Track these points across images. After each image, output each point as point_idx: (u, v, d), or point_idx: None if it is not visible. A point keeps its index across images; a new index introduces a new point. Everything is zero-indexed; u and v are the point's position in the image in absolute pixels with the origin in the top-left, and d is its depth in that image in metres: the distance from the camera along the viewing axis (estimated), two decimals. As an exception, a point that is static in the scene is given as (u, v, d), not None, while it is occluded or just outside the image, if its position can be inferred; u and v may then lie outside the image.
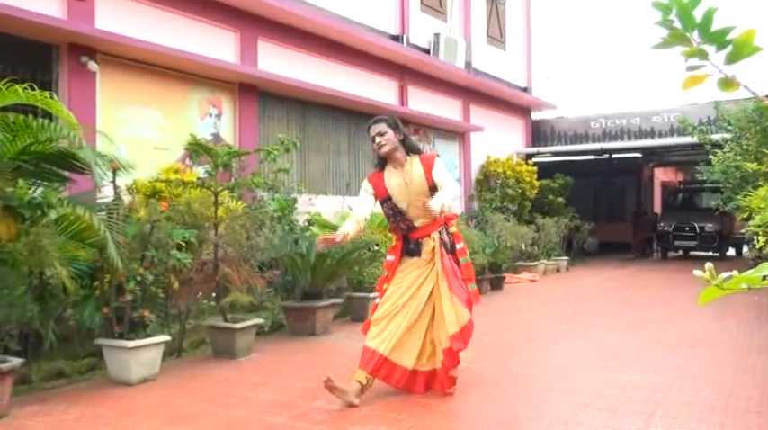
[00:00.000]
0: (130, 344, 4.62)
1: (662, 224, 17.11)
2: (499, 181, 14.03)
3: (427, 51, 12.58)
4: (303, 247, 6.73)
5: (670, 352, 5.72)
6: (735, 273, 0.97)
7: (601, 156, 17.36)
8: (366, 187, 4.44)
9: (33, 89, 4.57)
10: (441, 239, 4.33)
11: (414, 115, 12.04)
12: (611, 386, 4.53)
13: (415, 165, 4.37)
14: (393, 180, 4.36)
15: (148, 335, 4.81)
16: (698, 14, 0.84)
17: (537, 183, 14.69)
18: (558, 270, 13.73)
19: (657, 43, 0.91)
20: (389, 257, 4.46)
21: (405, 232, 4.37)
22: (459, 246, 4.43)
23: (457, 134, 14.02)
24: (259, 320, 5.83)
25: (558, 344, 6.13)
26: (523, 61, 16.85)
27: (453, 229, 4.47)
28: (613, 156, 17.47)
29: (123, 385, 4.62)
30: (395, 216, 4.37)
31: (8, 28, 6.16)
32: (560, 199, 15.18)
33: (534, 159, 16.04)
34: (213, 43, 8.37)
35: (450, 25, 13.37)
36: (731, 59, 0.88)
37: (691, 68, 0.91)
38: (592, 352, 5.75)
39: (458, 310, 4.20)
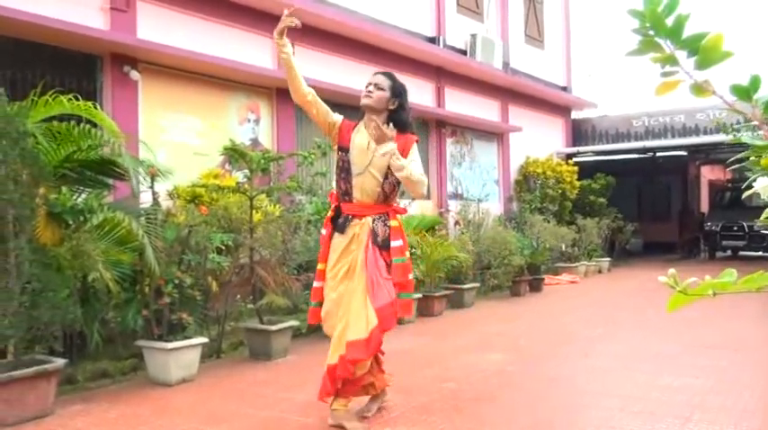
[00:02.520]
0: (169, 345, 4.75)
1: (709, 223, 16.69)
2: (539, 181, 13.89)
3: (464, 52, 12.54)
4: (338, 250, 6.79)
5: (711, 354, 5.59)
6: (707, 278, 0.97)
7: (644, 155, 17.02)
8: (337, 118, 3.93)
9: (78, 99, 4.76)
10: (371, 229, 3.77)
11: (451, 117, 12.03)
12: (648, 389, 4.46)
13: (391, 130, 3.75)
14: (360, 138, 3.84)
15: (186, 337, 4.93)
16: (670, 21, 0.84)
17: (578, 184, 14.50)
18: (599, 271, 13.52)
19: (632, 50, 0.92)
20: (322, 231, 4.00)
21: (341, 195, 3.87)
22: (395, 243, 3.78)
23: (495, 135, 13.93)
24: (294, 322, 5.92)
25: (596, 347, 6.05)
26: (563, 60, 16.64)
27: (394, 223, 3.85)
28: (658, 154, 17.11)
29: (162, 385, 4.75)
30: (342, 170, 3.84)
31: (55, 40, 6.40)
32: (602, 199, 14.94)
33: (575, 159, 15.82)
34: (251, 50, 8.52)
35: (486, 25, 13.30)
36: (701, 65, 0.88)
37: (665, 74, 0.92)
38: (630, 354, 5.67)
39: (369, 315, 3.61)
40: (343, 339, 3.65)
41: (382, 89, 3.84)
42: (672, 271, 0.98)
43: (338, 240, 3.83)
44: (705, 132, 15.13)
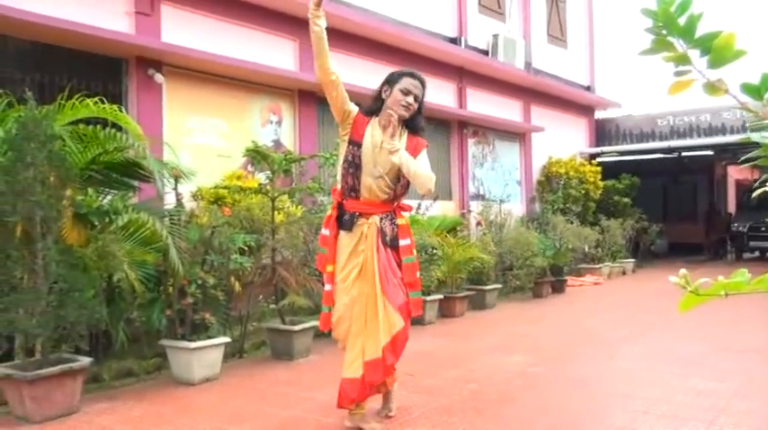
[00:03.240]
0: (192, 345, 4.81)
1: (736, 224, 16.42)
2: (561, 182, 13.79)
3: (486, 53, 12.50)
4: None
5: (737, 357, 5.51)
6: (720, 278, 0.97)
7: (669, 155, 16.79)
8: (352, 106, 3.81)
9: (104, 102, 4.85)
10: (379, 228, 3.71)
11: (473, 117, 11.99)
12: (672, 392, 4.41)
13: (402, 139, 3.77)
14: (375, 135, 3.72)
15: (209, 337, 4.99)
16: (683, 21, 0.84)
17: (601, 184, 14.36)
18: (623, 272, 13.37)
19: (645, 49, 0.91)
20: (324, 231, 3.81)
21: (348, 190, 3.75)
22: (403, 242, 3.75)
23: (517, 135, 13.86)
24: (316, 323, 5.93)
25: (619, 349, 6.00)
26: (586, 59, 16.50)
27: (401, 221, 3.82)
28: (683, 154, 16.88)
29: (186, 384, 4.80)
30: (351, 166, 3.70)
31: (82, 44, 6.51)
32: (626, 199, 14.78)
33: (598, 159, 15.67)
34: (273, 52, 8.59)
35: (508, 25, 13.24)
36: (713, 64, 0.88)
37: (678, 74, 0.91)
38: (654, 356, 5.61)
39: (390, 317, 3.60)
40: (362, 354, 3.62)
41: (418, 99, 3.78)
42: (683, 271, 0.98)
43: (345, 240, 3.74)
44: (731, 131, 14.89)
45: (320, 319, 3.87)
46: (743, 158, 1.16)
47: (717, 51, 0.85)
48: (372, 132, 3.74)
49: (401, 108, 3.72)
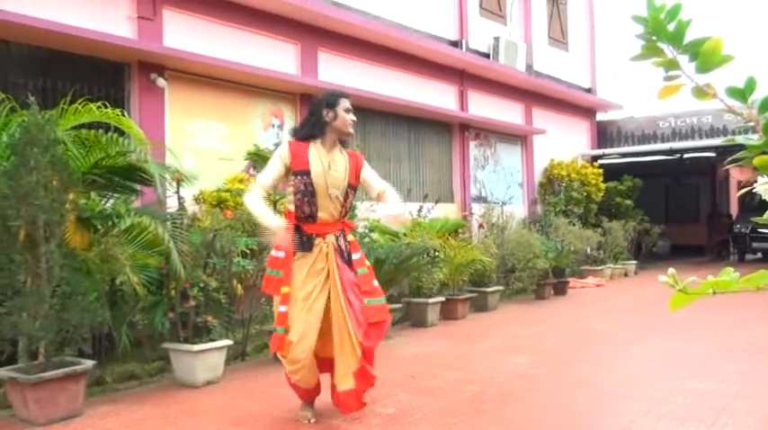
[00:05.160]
0: (195, 348, 4.83)
1: (738, 226, 16.41)
2: (563, 184, 13.80)
3: (487, 55, 12.52)
4: (362, 254, 6.83)
5: (738, 358, 5.52)
6: (709, 277, 0.98)
7: (671, 157, 16.79)
8: (283, 154, 3.87)
9: (106, 107, 4.88)
10: (337, 246, 3.88)
11: (474, 119, 12.02)
12: (674, 393, 4.42)
13: (342, 155, 3.97)
14: (319, 158, 3.86)
15: (212, 340, 5.01)
16: (672, 27, 0.86)
17: (603, 186, 14.36)
18: (625, 274, 13.38)
19: (635, 55, 0.93)
20: (277, 253, 3.84)
21: (303, 218, 3.84)
22: (355, 256, 3.94)
23: (519, 137, 13.87)
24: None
25: (621, 350, 6.01)
26: (587, 61, 16.51)
27: (351, 238, 4.02)
28: (685, 155, 16.88)
29: (189, 387, 4.82)
30: (305, 194, 3.80)
31: (84, 49, 6.54)
32: (628, 201, 14.78)
33: (600, 161, 15.67)
34: (275, 56, 8.62)
35: (509, 28, 13.27)
36: (701, 69, 0.90)
37: (668, 78, 0.93)
38: (656, 358, 5.61)
39: (352, 354, 3.79)
40: (349, 366, 3.79)
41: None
42: (671, 270, 1.00)
43: (302, 260, 3.81)
44: (733, 133, 14.89)
45: (273, 341, 3.83)
46: (729, 160, 1.18)
47: (704, 56, 0.87)
48: (318, 156, 3.87)
49: (350, 127, 3.95)
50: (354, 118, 3.99)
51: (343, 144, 4.04)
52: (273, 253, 3.88)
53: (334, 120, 3.90)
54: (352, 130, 3.98)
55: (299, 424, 3.92)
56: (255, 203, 3.84)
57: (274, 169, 3.88)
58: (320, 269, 3.82)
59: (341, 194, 3.89)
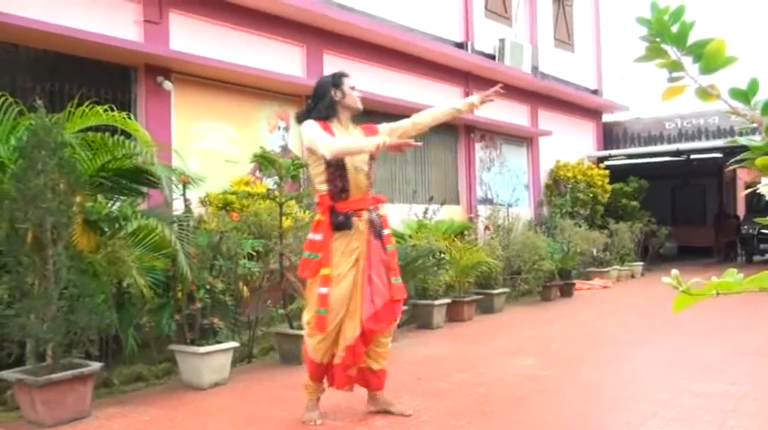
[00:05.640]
0: (201, 349, 4.84)
1: (746, 227, 16.34)
2: (569, 185, 13.77)
3: (492, 57, 12.52)
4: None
5: (747, 360, 5.49)
6: (713, 278, 0.98)
7: (678, 158, 16.74)
8: (317, 125, 3.86)
9: (113, 110, 4.90)
10: (370, 220, 3.93)
11: (480, 121, 12.01)
12: (682, 395, 4.41)
13: (358, 130, 4.06)
14: (343, 133, 3.95)
15: (218, 342, 5.02)
16: (676, 28, 0.86)
17: (609, 187, 14.33)
18: (632, 276, 13.34)
19: (639, 56, 0.94)
20: (315, 236, 3.89)
21: (337, 196, 3.88)
22: (386, 231, 4.00)
23: (525, 139, 13.86)
24: (324, 327, 5.97)
25: (628, 352, 5.99)
26: (593, 63, 16.48)
27: (383, 212, 4.05)
28: (692, 157, 16.82)
29: (195, 389, 4.83)
30: (336, 168, 3.85)
31: (91, 53, 6.58)
32: (634, 203, 14.74)
33: (606, 162, 15.64)
34: (281, 58, 8.64)
35: (515, 30, 13.26)
36: (705, 70, 0.90)
37: (672, 80, 0.93)
38: (664, 360, 5.60)
39: (356, 324, 3.85)
40: (344, 332, 3.88)
41: None
42: (674, 271, 1.00)
43: (340, 240, 3.86)
44: (740, 134, 14.82)
45: (317, 322, 3.85)
46: (731, 161, 1.18)
47: (708, 58, 0.87)
48: (340, 133, 3.93)
49: (359, 102, 4.05)
50: (359, 93, 4.06)
51: (354, 120, 4.13)
52: (311, 236, 3.93)
53: (343, 99, 3.98)
54: (360, 106, 4.05)
55: (306, 426, 3.93)
56: (340, 140, 3.83)
57: (322, 131, 3.83)
58: (354, 248, 3.88)
59: (365, 165, 3.95)
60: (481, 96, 4.38)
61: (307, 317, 3.96)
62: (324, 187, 3.92)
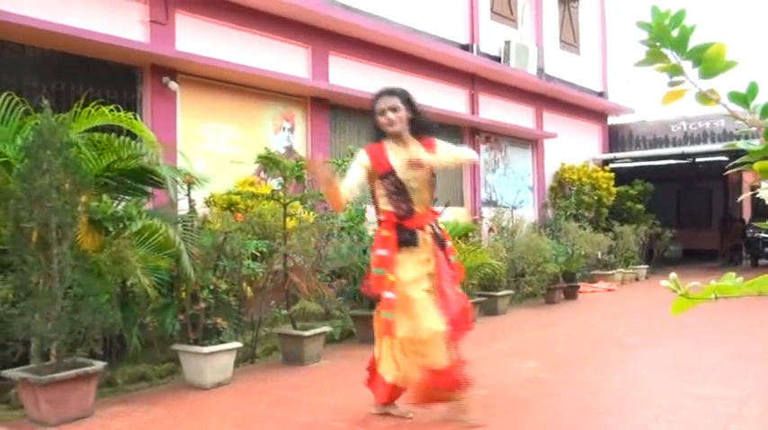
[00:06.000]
0: (205, 349, 4.85)
1: (751, 230, 16.27)
2: (574, 188, 13.76)
3: (498, 59, 12.52)
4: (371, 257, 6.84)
5: (750, 364, 5.48)
6: (712, 282, 0.98)
7: (683, 161, 16.69)
8: (362, 160, 3.91)
9: (119, 110, 4.92)
10: (434, 233, 3.99)
11: (485, 123, 12.01)
12: (684, 398, 4.39)
13: (416, 146, 3.99)
14: (398, 155, 3.93)
15: (221, 342, 5.03)
16: (676, 33, 0.86)
17: (614, 190, 14.31)
18: (636, 279, 13.30)
19: (640, 60, 0.94)
20: (382, 252, 3.88)
21: (402, 215, 3.91)
22: (449, 243, 4.09)
23: (530, 141, 13.86)
24: (327, 328, 5.99)
25: (632, 355, 5.97)
26: (599, 65, 16.47)
27: (442, 226, 4.17)
28: (697, 160, 16.77)
29: (198, 389, 4.84)
30: (398, 193, 3.89)
31: (97, 53, 6.61)
32: (639, 205, 14.71)
33: (611, 165, 15.62)
34: (286, 59, 8.67)
35: (521, 32, 13.26)
36: (705, 74, 0.90)
37: (672, 84, 0.94)
38: (666, 363, 5.58)
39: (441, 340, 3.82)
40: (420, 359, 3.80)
41: (398, 109, 3.93)
42: (673, 275, 1.00)
43: (408, 255, 3.86)
44: (746, 137, 14.77)
45: (384, 326, 3.87)
46: (730, 165, 1.18)
47: (708, 62, 0.88)
48: (395, 154, 3.94)
49: (387, 126, 3.94)
50: (389, 116, 3.93)
51: (425, 130, 4.06)
52: (378, 252, 3.92)
53: (379, 125, 3.99)
54: (391, 129, 3.94)
55: (308, 427, 3.93)
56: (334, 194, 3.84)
57: (354, 174, 3.90)
58: (425, 260, 3.91)
59: (425, 184, 3.98)
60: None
61: (404, 330, 3.80)
62: (389, 207, 3.94)
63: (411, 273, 3.82)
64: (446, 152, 4.08)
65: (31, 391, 4.01)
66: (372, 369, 4.10)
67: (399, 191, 3.90)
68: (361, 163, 3.91)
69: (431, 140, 4.06)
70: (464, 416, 3.91)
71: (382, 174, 3.90)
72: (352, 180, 3.88)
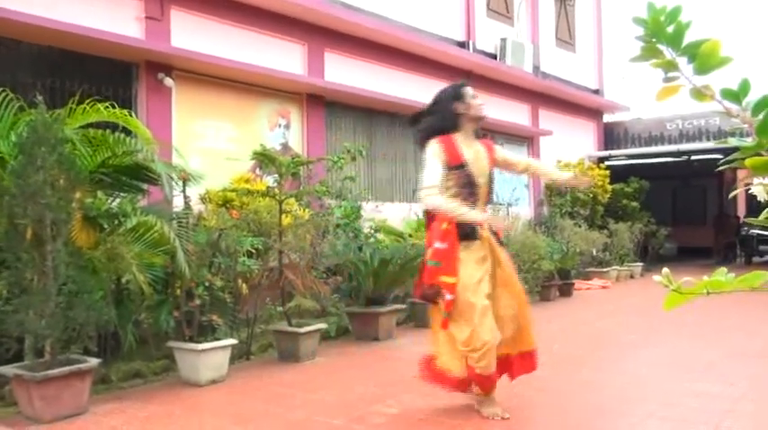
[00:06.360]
0: (199, 346, 4.84)
1: (746, 228, 16.33)
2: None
3: (494, 56, 12.52)
4: (367, 254, 6.85)
5: (746, 361, 5.50)
6: (704, 278, 0.99)
7: (679, 159, 16.73)
8: (437, 152, 3.92)
9: (114, 107, 4.90)
10: (491, 229, 4.05)
11: (480, 121, 12.00)
12: (680, 395, 4.41)
13: (478, 144, 4.11)
14: (467, 149, 3.99)
15: (216, 339, 5.02)
16: (671, 29, 0.86)
17: (609, 188, 14.32)
18: (631, 276, 13.33)
19: (635, 56, 0.94)
20: (440, 245, 3.85)
21: (466, 205, 3.89)
22: (503, 239, 4.24)
23: (525, 139, 13.86)
24: (322, 325, 5.99)
25: (628, 353, 5.99)
26: (595, 63, 16.48)
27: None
28: (693, 157, 16.81)
29: (193, 386, 4.84)
30: (467, 186, 3.93)
31: (92, 49, 6.58)
32: (634, 203, 14.73)
33: (607, 163, 15.63)
34: (282, 56, 8.64)
35: (517, 29, 13.26)
36: (699, 70, 0.90)
37: (667, 80, 0.94)
38: (663, 361, 5.60)
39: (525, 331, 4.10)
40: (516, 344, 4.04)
41: None
42: (665, 270, 1.00)
43: (467, 250, 3.87)
44: (741, 135, 14.80)
45: (443, 325, 3.91)
46: (721, 162, 1.19)
47: (702, 58, 0.88)
48: (466, 147, 4.00)
49: (482, 110, 4.08)
50: (481, 103, 4.07)
51: (477, 133, 4.16)
52: (436, 245, 3.89)
53: (468, 111, 4.01)
54: (482, 114, 4.08)
55: (303, 424, 3.93)
56: (444, 203, 3.87)
57: (437, 169, 3.92)
58: (483, 257, 3.93)
59: (488, 181, 4.09)
60: (569, 179, 4.53)
61: (463, 335, 3.81)
62: (455, 200, 3.93)
63: (471, 275, 3.82)
64: (509, 155, 4.32)
65: (24, 388, 4.00)
66: (430, 366, 4.09)
67: (468, 184, 3.93)
68: (436, 155, 3.92)
69: (490, 143, 4.25)
70: (492, 409, 3.95)
71: (453, 166, 3.92)
72: (438, 177, 3.89)
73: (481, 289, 3.82)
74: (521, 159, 4.47)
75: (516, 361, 4.10)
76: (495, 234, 4.08)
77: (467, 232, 3.87)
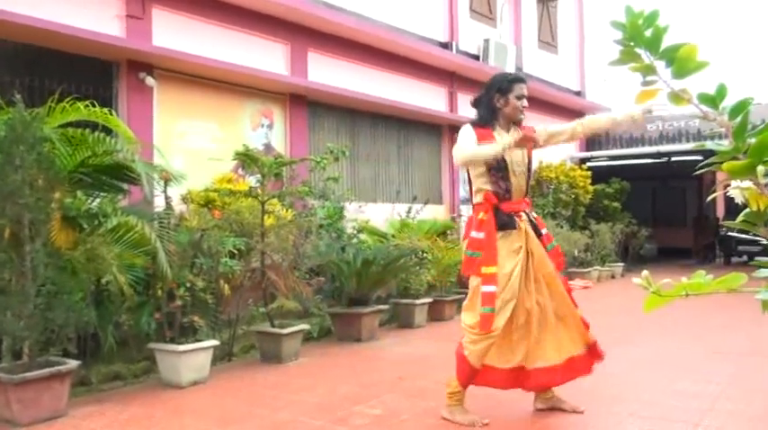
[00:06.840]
0: (181, 348, 4.81)
1: (724, 229, 16.53)
2: (552, 186, 13.85)
3: (477, 57, 12.56)
4: (350, 254, 6.84)
5: (727, 360, 5.56)
6: (683, 280, 1.00)
7: (659, 160, 16.90)
8: (469, 133, 3.83)
9: (94, 106, 4.85)
10: (530, 220, 3.95)
11: (464, 121, 12.01)
12: (660, 394, 4.45)
13: (518, 132, 3.93)
14: (501, 137, 3.85)
15: (198, 340, 4.99)
16: (649, 33, 0.87)
17: (591, 188, 14.44)
18: (612, 276, 13.45)
19: (614, 60, 0.95)
20: (478, 235, 3.81)
21: (502, 195, 3.84)
22: (544, 231, 4.02)
23: (508, 140, 13.92)
24: (305, 326, 5.97)
25: (610, 353, 5.95)
26: (576, 64, 16.61)
27: (536, 213, 4.13)
28: (673, 159, 17.00)
29: (174, 387, 4.80)
30: (498, 170, 3.82)
31: (72, 47, 6.50)
32: (616, 204, 14.87)
33: (588, 164, 15.75)
34: (265, 56, 8.61)
35: (499, 30, 13.32)
36: (677, 74, 0.91)
37: (645, 83, 0.95)
38: (645, 360, 5.65)
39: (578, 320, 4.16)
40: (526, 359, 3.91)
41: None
42: (645, 272, 1.01)
43: (504, 240, 3.81)
44: (720, 137, 14.99)
45: (483, 321, 3.73)
46: (700, 165, 1.20)
47: (680, 62, 0.89)
48: (501, 136, 3.86)
49: (520, 113, 3.93)
50: (526, 104, 3.92)
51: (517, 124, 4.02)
52: (473, 234, 3.84)
53: (504, 107, 3.90)
54: (521, 116, 3.94)
55: (286, 425, 3.92)
56: (475, 149, 3.78)
57: (470, 138, 3.82)
58: (518, 248, 3.83)
59: (525, 171, 3.94)
60: (644, 109, 4.03)
61: (471, 320, 3.79)
62: (488, 186, 3.87)
63: (503, 266, 3.76)
64: (553, 128, 4.15)
65: (2, 391, 3.94)
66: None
67: (500, 168, 3.82)
68: (468, 134, 3.84)
69: (530, 128, 4.03)
70: (468, 417, 3.90)
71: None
72: (469, 142, 3.80)
73: (511, 284, 3.75)
74: (566, 127, 4.17)
75: (567, 364, 4.04)
76: (535, 225, 3.96)
77: (505, 221, 3.82)
